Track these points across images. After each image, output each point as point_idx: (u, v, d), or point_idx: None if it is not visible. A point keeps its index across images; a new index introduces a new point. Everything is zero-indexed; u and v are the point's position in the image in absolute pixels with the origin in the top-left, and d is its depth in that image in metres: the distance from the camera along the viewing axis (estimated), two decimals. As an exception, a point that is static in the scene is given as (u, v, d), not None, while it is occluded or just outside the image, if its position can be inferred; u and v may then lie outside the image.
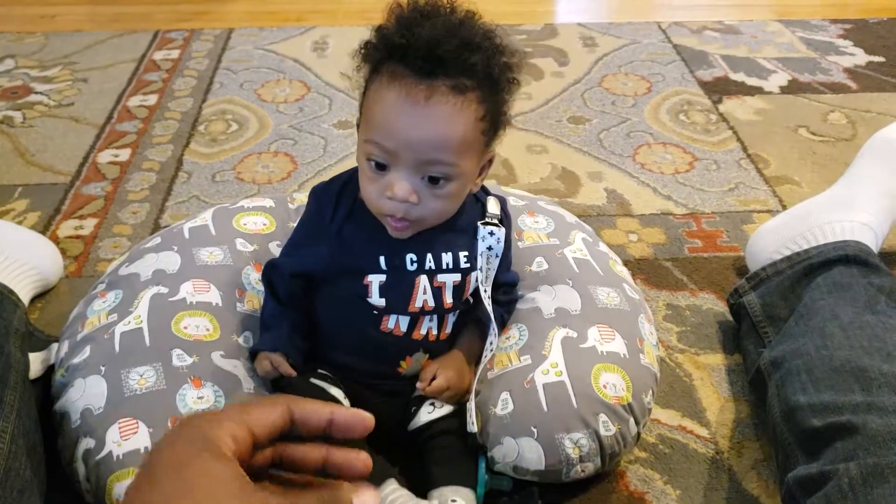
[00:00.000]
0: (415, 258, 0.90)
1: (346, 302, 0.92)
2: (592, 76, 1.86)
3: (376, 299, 0.90)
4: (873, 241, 1.11)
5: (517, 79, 0.85)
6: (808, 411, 0.83)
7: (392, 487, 0.87)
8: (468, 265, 0.92)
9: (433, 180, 0.82)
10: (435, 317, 0.93)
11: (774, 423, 0.89)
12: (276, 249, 1.12)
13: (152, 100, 1.74)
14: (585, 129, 1.65)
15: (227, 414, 0.51)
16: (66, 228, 1.35)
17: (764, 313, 1.06)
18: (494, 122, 0.84)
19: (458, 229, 0.91)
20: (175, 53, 1.95)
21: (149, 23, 2.11)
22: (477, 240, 0.93)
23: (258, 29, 2.08)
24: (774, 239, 1.17)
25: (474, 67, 0.79)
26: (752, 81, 1.83)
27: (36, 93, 1.77)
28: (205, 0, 2.26)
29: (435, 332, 0.94)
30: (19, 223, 1.32)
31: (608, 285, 1.05)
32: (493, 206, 0.95)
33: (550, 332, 0.97)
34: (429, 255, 0.90)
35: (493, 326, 0.96)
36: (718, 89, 1.80)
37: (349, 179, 0.91)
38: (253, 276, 1.06)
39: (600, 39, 2.04)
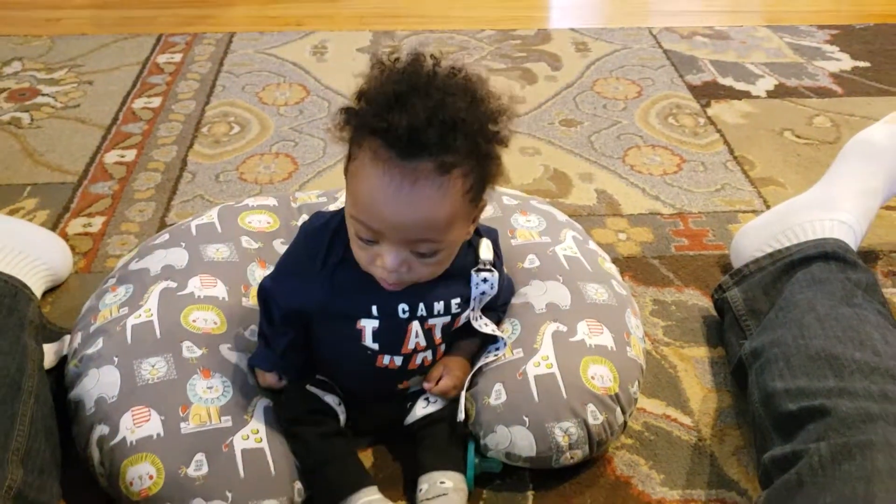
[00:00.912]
0: (406, 308, 0.91)
1: (341, 342, 0.94)
2: (584, 80, 1.91)
3: (370, 343, 0.93)
4: (852, 239, 1.16)
5: (506, 141, 0.83)
6: (784, 396, 0.88)
7: (372, 497, 0.89)
8: (459, 310, 0.95)
9: (422, 253, 0.83)
10: (428, 350, 0.96)
11: (753, 409, 0.94)
12: (279, 247, 1.16)
13: (156, 102, 1.79)
14: (577, 132, 1.70)
15: None
16: (75, 226, 1.39)
17: (746, 307, 1.11)
18: (483, 184, 0.83)
19: (449, 276, 0.91)
20: (178, 57, 1.99)
21: (152, 27, 2.16)
22: (470, 287, 0.94)
23: (259, 33, 2.13)
24: (757, 237, 1.22)
25: (459, 148, 0.77)
26: (739, 86, 1.88)
27: (43, 94, 1.81)
28: (207, 5, 2.31)
29: (430, 359, 0.98)
30: (29, 221, 1.36)
31: (597, 281, 1.10)
32: (485, 252, 0.95)
33: (542, 326, 1.02)
34: (421, 305, 0.92)
35: (502, 340, 1.00)
36: (707, 93, 1.85)
37: (339, 225, 0.90)
38: (258, 273, 1.11)
39: (593, 44, 2.09)
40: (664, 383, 1.11)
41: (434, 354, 0.98)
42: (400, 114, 0.75)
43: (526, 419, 0.94)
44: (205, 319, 1.03)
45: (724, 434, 1.04)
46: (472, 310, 0.96)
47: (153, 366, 0.96)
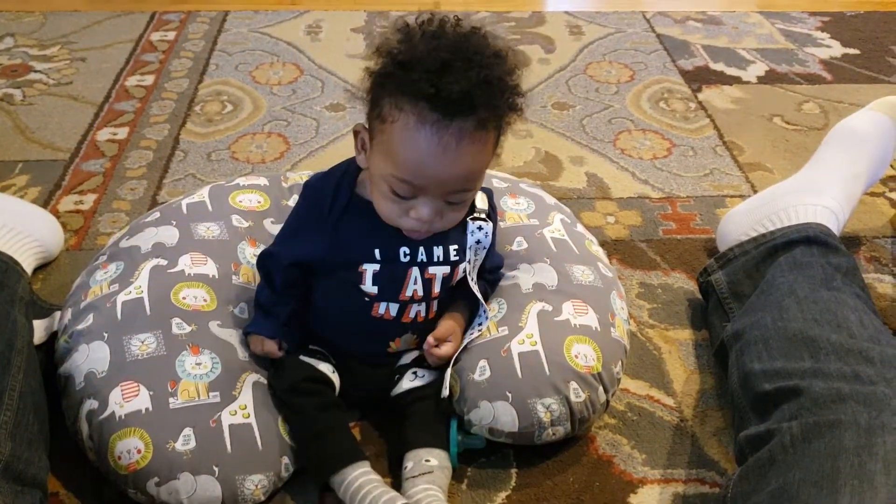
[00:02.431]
0: (408, 251, 0.94)
1: (340, 288, 0.96)
2: (577, 63, 1.91)
3: (369, 286, 0.95)
4: (835, 224, 1.17)
5: (524, 102, 0.87)
6: (761, 377, 0.90)
7: (363, 470, 0.91)
8: (457, 258, 0.97)
9: (452, 202, 0.88)
10: (424, 303, 0.98)
11: (732, 389, 0.96)
12: (270, 226, 1.17)
13: (149, 80, 1.79)
14: (569, 115, 1.71)
15: None
16: (67, 203, 1.40)
17: (730, 290, 1.13)
18: (502, 135, 0.89)
19: None
20: (171, 35, 1.99)
21: (146, 4, 2.15)
22: (466, 234, 0.97)
23: (253, 12, 2.12)
24: (743, 221, 1.23)
25: (499, 106, 0.83)
26: (731, 71, 1.89)
27: (35, 71, 1.81)
28: (200, -18, 2.30)
29: (423, 314, 0.99)
30: (21, 198, 1.37)
31: (583, 263, 1.12)
32: (480, 202, 0.99)
33: (527, 305, 1.04)
34: (421, 249, 0.95)
35: (483, 310, 1.01)
36: (698, 78, 1.86)
37: (344, 174, 0.94)
38: (248, 251, 1.12)
39: (586, 28, 2.10)
40: (648, 364, 1.13)
41: (427, 310, 0.99)
42: (450, 79, 0.78)
43: (509, 395, 0.95)
44: (194, 297, 1.04)
45: (705, 415, 1.06)
46: (468, 262, 0.98)
47: (142, 342, 0.97)
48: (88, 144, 1.56)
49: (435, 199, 0.86)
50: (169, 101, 1.72)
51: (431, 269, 0.96)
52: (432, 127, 0.80)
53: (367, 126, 0.89)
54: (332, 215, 0.93)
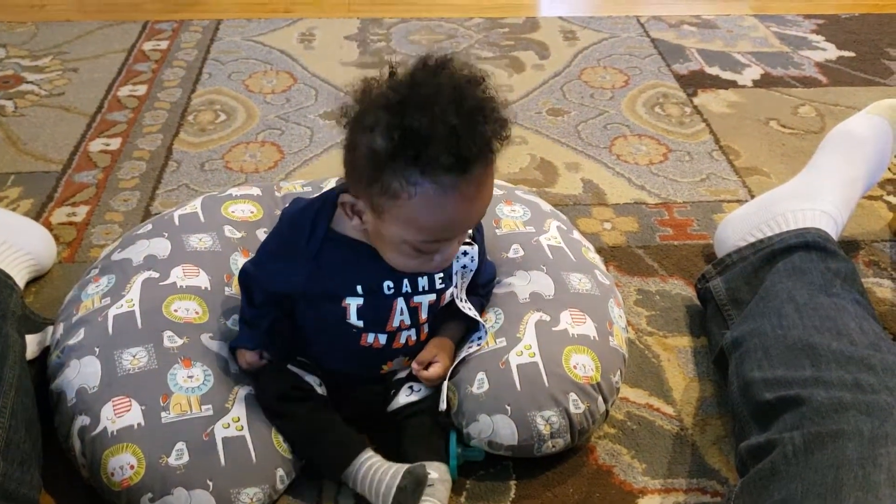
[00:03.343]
0: (391, 284, 0.92)
1: (325, 319, 0.95)
2: (572, 69, 1.91)
3: (354, 321, 0.93)
4: (833, 229, 1.17)
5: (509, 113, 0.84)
6: (761, 385, 0.89)
7: (367, 456, 0.92)
8: (443, 286, 0.96)
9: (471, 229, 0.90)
10: (413, 329, 0.97)
11: (732, 398, 0.95)
12: (262, 236, 1.16)
13: (142, 90, 1.78)
14: (564, 121, 1.70)
15: None
16: (59, 215, 1.39)
17: (728, 297, 1.12)
18: None
19: None
20: (164, 44, 1.98)
21: (138, 13, 2.14)
22: (451, 261, 0.95)
23: (246, 20, 2.12)
24: (740, 227, 1.22)
25: (501, 136, 0.80)
26: (726, 75, 1.89)
27: (27, 82, 1.80)
28: (193, -9, 2.30)
29: (414, 338, 0.98)
30: (13, 210, 1.36)
31: (580, 271, 1.11)
32: None
33: (525, 315, 1.03)
34: (405, 280, 0.93)
35: (482, 326, 1.00)
36: (694, 83, 1.85)
37: (319, 211, 0.91)
38: (241, 262, 1.11)
39: (580, 33, 2.09)
40: (647, 373, 1.12)
41: (418, 334, 0.98)
42: (465, 144, 0.75)
43: (508, 408, 0.94)
44: (186, 309, 1.03)
45: (705, 424, 1.05)
46: (455, 286, 0.97)
47: (134, 356, 0.96)
48: (81, 156, 1.55)
49: (456, 239, 0.87)
50: (162, 110, 1.71)
51: (417, 299, 0.95)
52: (455, 189, 0.78)
53: (356, 196, 0.84)
54: (311, 246, 0.90)
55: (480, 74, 0.81)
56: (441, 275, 0.95)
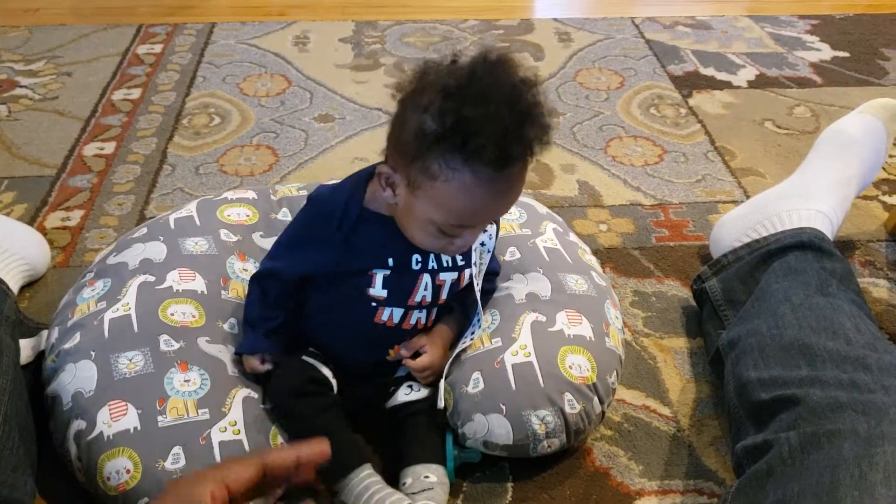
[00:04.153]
0: (419, 258, 0.94)
1: (345, 295, 0.95)
2: (567, 71, 1.91)
3: (378, 290, 0.94)
4: (828, 228, 1.17)
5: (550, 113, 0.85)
6: (757, 385, 0.89)
7: (367, 472, 0.91)
8: (463, 263, 0.97)
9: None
10: (425, 309, 0.98)
11: (728, 398, 0.95)
12: (259, 240, 1.16)
13: (136, 94, 1.78)
14: (559, 123, 1.70)
15: (207, 474, 0.64)
16: (53, 220, 1.38)
17: (724, 297, 1.12)
18: None
19: None
20: (158, 48, 1.98)
21: (132, 17, 2.14)
22: None
23: (240, 23, 2.11)
24: (736, 227, 1.22)
25: (542, 142, 0.81)
26: (721, 76, 1.89)
27: (21, 86, 1.80)
28: (187, -6, 2.30)
29: (423, 321, 0.99)
30: (7, 215, 1.35)
31: (577, 273, 1.11)
32: None
33: (521, 316, 1.03)
34: (431, 256, 0.94)
35: (479, 316, 1.01)
36: (689, 84, 1.85)
37: (355, 188, 0.92)
38: (237, 266, 1.11)
39: (575, 34, 2.09)
40: (644, 374, 1.12)
41: (427, 317, 0.99)
42: (512, 144, 0.78)
43: (503, 407, 0.94)
44: (183, 313, 1.02)
45: (702, 425, 1.05)
46: (474, 264, 0.98)
47: (130, 360, 0.96)
48: (75, 160, 1.55)
49: (480, 226, 0.89)
50: (156, 114, 1.70)
51: (442, 276, 0.96)
52: (490, 182, 0.80)
53: (394, 168, 0.85)
54: (342, 230, 0.91)
55: (534, 76, 0.82)
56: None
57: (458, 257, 0.97)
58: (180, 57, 1.94)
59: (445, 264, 0.96)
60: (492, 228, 0.99)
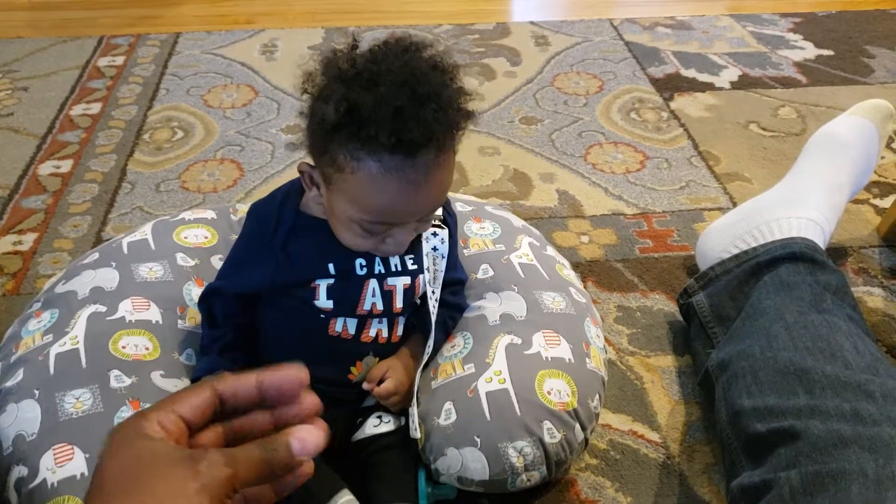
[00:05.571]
0: (364, 262, 0.89)
1: (293, 308, 0.90)
2: (545, 75, 1.85)
3: (323, 301, 0.89)
4: (820, 237, 1.11)
5: (471, 96, 0.82)
6: (752, 415, 0.82)
7: (347, 499, 0.85)
8: (415, 267, 0.92)
9: (425, 219, 0.86)
10: (385, 319, 0.92)
11: (721, 428, 0.88)
12: (218, 263, 1.09)
13: (96, 108, 1.70)
14: (537, 130, 1.64)
15: (153, 406, 0.53)
16: (4, 244, 1.31)
17: (713, 313, 1.06)
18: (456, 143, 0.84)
19: None
20: (120, 60, 1.90)
21: (93, 28, 2.06)
22: (420, 241, 0.92)
23: (206, 33, 2.04)
24: (723, 237, 1.16)
25: (456, 123, 0.78)
26: (703, 77, 1.83)
27: (-25, 103, 1.72)
28: (152, 4, 2.22)
29: (385, 334, 0.93)
30: (-45, 240, 1.28)
31: (554, 290, 1.04)
32: None
33: (495, 339, 0.96)
34: (377, 260, 0.90)
35: (432, 329, 0.95)
36: (670, 86, 1.79)
37: (288, 194, 0.90)
38: (195, 292, 1.04)
39: (552, 38, 2.03)
40: (630, 396, 1.05)
41: (390, 329, 0.93)
42: (409, 126, 0.74)
43: (477, 440, 0.87)
44: (135, 345, 0.95)
45: (693, 451, 0.98)
46: (427, 270, 0.92)
47: (77, 398, 0.89)
48: (29, 179, 1.47)
49: (410, 226, 0.84)
50: (116, 129, 1.63)
51: (391, 281, 0.91)
52: (398, 171, 0.76)
53: (313, 165, 0.83)
54: (278, 238, 0.88)
55: (451, 65, 0.80)
56: (411, 256, 0.92)
57: (409, 261, 0.92)
58: (143, 69, 1.87)
59: (394, 268, 0.91)
60: (443, 232, 0.94)
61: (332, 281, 0.89)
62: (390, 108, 0.73)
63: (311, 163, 0.84)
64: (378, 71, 0.75)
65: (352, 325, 0.91)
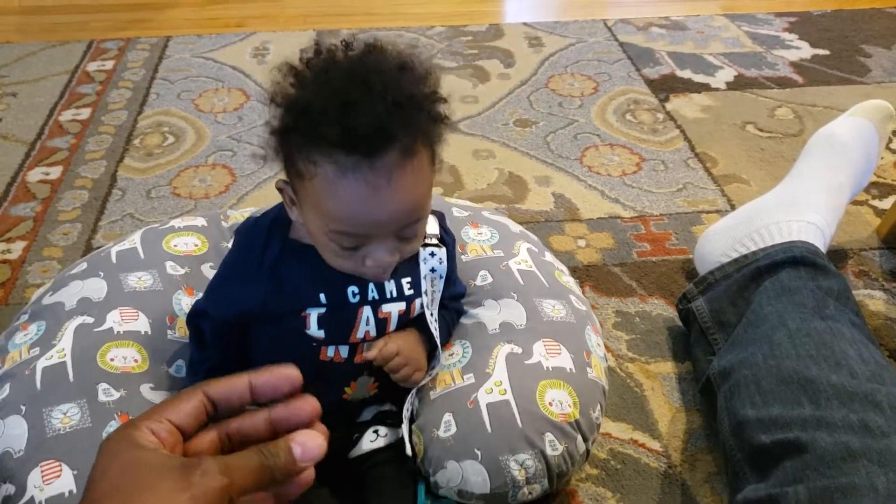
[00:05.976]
0: (356, 290, 0.85)
1: (282, 335, 0.87)
2: (539, 77, 1.83)
3: (315, 331, 0.85)
4: (821, 240, 1.09)
5: (442, 98, 0.77)
6: (756, 426, 0.80)
7: None
8: (412, 291, 0.88)
9: (406, 236, 0.79)
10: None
11: (724, 438, 0.87)
12: (208, 271, 1.07)
13: (85, 113, 1.68)
14: (532, 132, 1.62)
15: (142, 414, 0.52)
16: (-8, 253, 1.29)
17: (713, 319, 1.04)
18: (436, 147, 0.78)
19: None
20: (110, 64, 1.88)
21: (83, 32, 2.04)
22: (419, 264, 0.88)
23: (197, 36, 2.02)
24: (722, 241, 1.14)
25: (418, 124, 0.73)
26: (698, 78, 1.82)
27: (-38, 110, 1.70)
28: (142, 7, 2.20)
29: None
30: (-58, 250, 1.26)
31: (554, 297, 1.02)
32: (431, 226, 0.90)
33: (495, 348, 0.94)
34: (371, 286, 0.85)
35: (438, 356, 0.92)
36: (665, 87, 1.78)
37: (276, 217, 0.85)
38: (185, 301, 1.02)
39: (546, 39, 2.01)
40: (630, 404, 1.04)
41: None
42: (355, 116, 0.69)
43: (478, 452, 0.86)
44: (124, 357, 0.93)
45: (695, 459, 0.97)
46: (425, 293, 0.88)
47: (65, 413, 0.87)
48: (18, 187, 1.45)
49: (385, 239, 0.77)
50: (106, 135, 1.61)
51: (386, 308, 0.86)
52: (355, 172, 0.71)
53: (287, 181, 0.79)
54: (266, 263, 0.83)
55: (425, 68, 0.75)
56: (409, 279, 0.87)
57: (406, 286, 0.87)
58: (133, 73, 1.84)
59: (390, 295, 0.86)
60: (441, 252, 0.89)
61: (323, 311, 0.85)
62: (336, 98, 0.69)
63: (286, 178, 0.79)
64: (329, 71, 0.71)
65: (344, 350, 0.87)
